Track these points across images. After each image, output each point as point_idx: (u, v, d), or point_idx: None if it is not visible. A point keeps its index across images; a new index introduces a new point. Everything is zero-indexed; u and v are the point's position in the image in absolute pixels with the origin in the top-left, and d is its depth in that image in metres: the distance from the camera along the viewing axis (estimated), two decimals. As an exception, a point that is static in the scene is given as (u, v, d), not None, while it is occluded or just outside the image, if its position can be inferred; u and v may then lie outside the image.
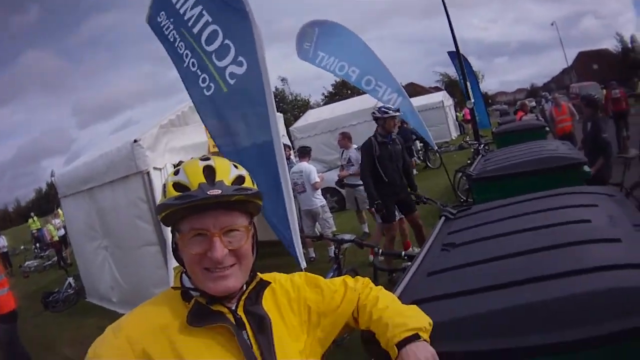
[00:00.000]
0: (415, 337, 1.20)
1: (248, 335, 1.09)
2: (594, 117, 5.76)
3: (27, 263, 16.34)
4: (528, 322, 1.26)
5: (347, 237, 3.60)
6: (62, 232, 14.68)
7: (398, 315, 1.26)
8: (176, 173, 1.11)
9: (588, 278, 1.31)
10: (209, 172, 1.09)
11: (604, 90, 15.20)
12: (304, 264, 3.28)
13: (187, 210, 1.05)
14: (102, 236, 7.04)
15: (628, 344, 1.17)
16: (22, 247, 23.54)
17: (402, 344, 1.19)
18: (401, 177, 5.66)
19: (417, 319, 1.26)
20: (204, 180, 1.06)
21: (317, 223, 7.25)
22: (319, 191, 7.19)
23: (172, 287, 1.15)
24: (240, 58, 3.33)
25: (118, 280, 6.92)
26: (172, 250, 1.16)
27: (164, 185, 1.12)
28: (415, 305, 1.34)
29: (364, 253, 5.92)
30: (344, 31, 7.95)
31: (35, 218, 20.62)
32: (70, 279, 9.23)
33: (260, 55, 3.22)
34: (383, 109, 5.59)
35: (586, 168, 3.81)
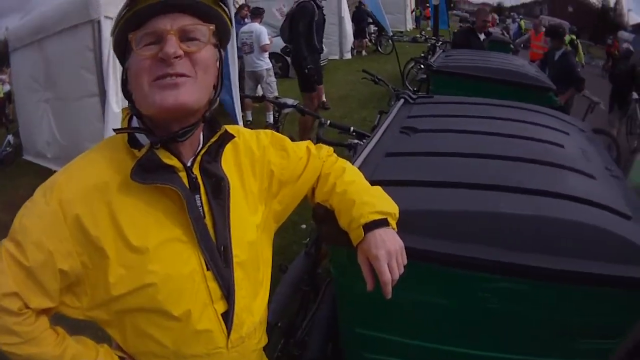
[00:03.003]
0: (384, 223, 1.02)
1: (201, 202, 0.91)
2: (562, 47, 5.67)
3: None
4: (491, 232, 1.18)
5: (290, 101, 3.31)
6: (7, 87, 13.73)
7: (365, 193, 1.08)
8: None
9: (559, 204, 1.25)
10: None
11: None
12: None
13: (140, 17, 0.83)
14: (44, 88, 6.71)
15: (581, 287, 1.16)
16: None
17: (369, 227, 1.01)
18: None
19: (386, 202, 1.08)
20: None
21: (259, 86, 7.10)
22: (266, 54, 7.00)
23: (114, 130, 0.90)
24: None
25: (55, 134, 6.68)
26: (122, 84, 0.90)
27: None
28: (380, 187, 1.12)
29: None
30: None
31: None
32: (10, 137, 8.74)
33: None
34: None
35: (554, 96, 3.65)
